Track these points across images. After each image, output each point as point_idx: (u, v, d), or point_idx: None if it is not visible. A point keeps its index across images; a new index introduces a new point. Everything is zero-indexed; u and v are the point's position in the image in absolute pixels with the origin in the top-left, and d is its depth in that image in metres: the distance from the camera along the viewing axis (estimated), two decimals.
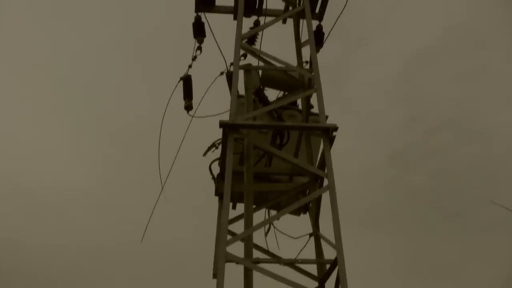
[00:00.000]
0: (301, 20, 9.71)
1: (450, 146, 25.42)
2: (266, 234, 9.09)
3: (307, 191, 9.20)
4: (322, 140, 8.28)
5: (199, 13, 9.67)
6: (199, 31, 9.64)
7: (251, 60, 9.34)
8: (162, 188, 9.30)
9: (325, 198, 8.53)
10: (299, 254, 8.70)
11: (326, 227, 8.63)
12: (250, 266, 7.66)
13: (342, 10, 9.63)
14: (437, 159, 24.93)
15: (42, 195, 24.82)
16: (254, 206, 8.60)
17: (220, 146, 8.91)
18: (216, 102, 9.71)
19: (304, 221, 9.42)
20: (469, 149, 25.10)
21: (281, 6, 9.84)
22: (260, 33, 9.63)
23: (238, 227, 8.61)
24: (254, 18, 9.70)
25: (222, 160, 8.71)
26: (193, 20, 9.71)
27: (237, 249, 7.66)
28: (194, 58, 9.77)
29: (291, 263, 8.40)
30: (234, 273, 7.75)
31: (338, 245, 7.31)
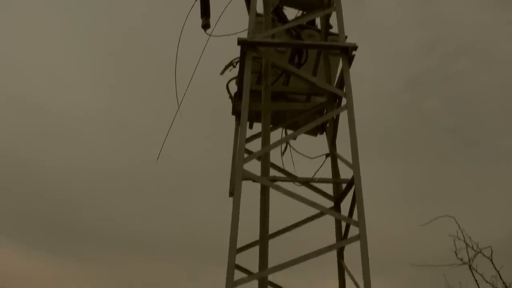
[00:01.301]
0: None
1: (468, 72, 25.08)
2: (282, 153, 9.12)
3: (325, 111, 9.15)
4: (340, 60, 8.18)
5: None
6: None
7: None
8: (179, 108, 9.26)
9: (342, 119, 8.51)
10: (315, 174, 8.75)
11: (342, 149, 8.64)
12: (266, 184, 7.70)
13: None
14: (455, 85, 24.64)
15: (56, 116, 24.97)
16: (271, 126, 8.56)
17: (237, 65, 8.81)
18: (233, 21, 9.55)
19: (320, 142, 9.42)
20: (487, 76, 24.77)
21: None
22: None
23: (255, 147, 8.64)
24: None
25: (239, 79, 8.63)
26: None
27: (253, 169, 7.70)
28: None
29: (308, 182, 8.45)
30: (250, 192, 7.80)
31: (355, 164, 7.29)
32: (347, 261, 8.24)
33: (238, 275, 6.99)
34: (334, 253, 8.29)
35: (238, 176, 7.10)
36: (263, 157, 8.10)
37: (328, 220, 8.56)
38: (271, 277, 7.83)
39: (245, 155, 7.47)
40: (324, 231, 8.91)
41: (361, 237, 6.89)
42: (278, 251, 8.21)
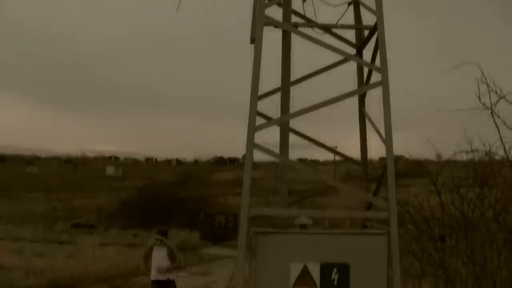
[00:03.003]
0: None
1: None
2: (304, 0, 8.86)
3: None
4: None
5: None
6: None
7: None
8: None
9: None
10: (337, 22, 8.53)
11: None
12: (288, 29, 7.56)
13: None
14: None
15: None
16: None
17: None
18: None
19: None
20: None
21: None
22: None
23: None
24: None
25: None
26: None
27: (275, 17, 7.52)
28: None
29: (330, 28, 8.28)
30: (271, 39, 7.67)
31: (378, 9, 7.12)
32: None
33: (260, 122, 7.07)
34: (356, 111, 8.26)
35: (259, 21, 6.98)
36: (285, 3, 7.89)
37: (350, 71, 8.48)
38: (293, 124, 7.87)
39: (266, 1, 7.28)
40: (345, 81, 8.84)
41: (383, 83, 6.87)
42: (299, 99, 8.21)
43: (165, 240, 13.46)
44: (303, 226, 6.65)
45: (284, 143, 7.39)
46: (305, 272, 6.32)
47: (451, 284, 9.50)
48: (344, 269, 6.33)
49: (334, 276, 6.33)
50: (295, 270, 6.32)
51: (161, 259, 13.22)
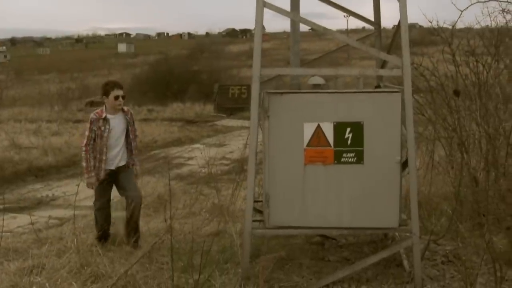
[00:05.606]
0: None
1: None
2: None
3: None
4: None
5: None
6: None
7: None
8: None
9: None
10: None
11: None
12: None
13: None
14: None
15: None
16: None
17: None
18: None
19: None
20: None
21: None
22: None
23: None
24: None
25: None
26: None
27: None
28: None
29: None
30: None
31: None
32: None
33: None
34: None
35: None
36: None
37: None
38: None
39: None
40: None
41: None
42: None
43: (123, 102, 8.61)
44: (316, 86, 6.60)
45: (295, 1, 7.14)
46: (318, 131, 6.31)
47: (463, 144, 9.50)
48: (357, 128, 6.31)
49: (348, 135, 6.31)
50: (308, 130, 6.31)
51: (115, 132, 8.38)
